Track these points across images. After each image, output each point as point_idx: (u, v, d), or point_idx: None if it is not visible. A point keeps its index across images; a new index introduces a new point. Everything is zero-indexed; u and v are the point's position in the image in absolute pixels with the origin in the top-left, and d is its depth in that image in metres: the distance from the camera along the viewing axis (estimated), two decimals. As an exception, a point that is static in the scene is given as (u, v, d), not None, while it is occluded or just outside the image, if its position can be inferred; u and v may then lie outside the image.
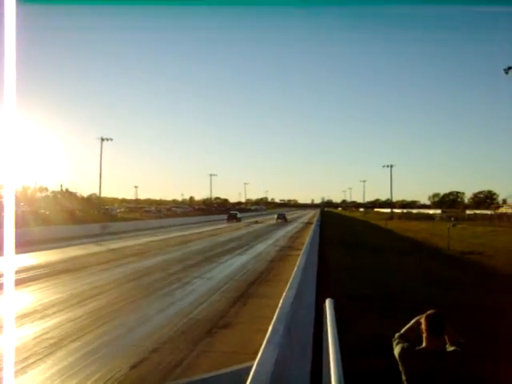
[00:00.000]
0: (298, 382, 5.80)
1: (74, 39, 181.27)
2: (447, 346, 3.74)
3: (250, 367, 4.05)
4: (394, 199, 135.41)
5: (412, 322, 3.99)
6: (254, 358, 4.34)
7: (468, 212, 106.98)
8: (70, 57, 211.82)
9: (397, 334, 3.98)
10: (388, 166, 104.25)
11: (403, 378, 3.74)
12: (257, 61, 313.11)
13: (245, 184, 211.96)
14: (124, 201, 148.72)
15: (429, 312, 3.82)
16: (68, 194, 62.41)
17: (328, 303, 7.67)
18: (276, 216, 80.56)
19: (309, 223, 63.78)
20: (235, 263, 20.60)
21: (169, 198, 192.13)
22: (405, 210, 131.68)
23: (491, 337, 9.05)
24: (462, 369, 3.65)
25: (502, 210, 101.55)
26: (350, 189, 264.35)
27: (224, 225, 58.08)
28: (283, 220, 74.93)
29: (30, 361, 7.49)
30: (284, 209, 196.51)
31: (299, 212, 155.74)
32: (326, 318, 6.76)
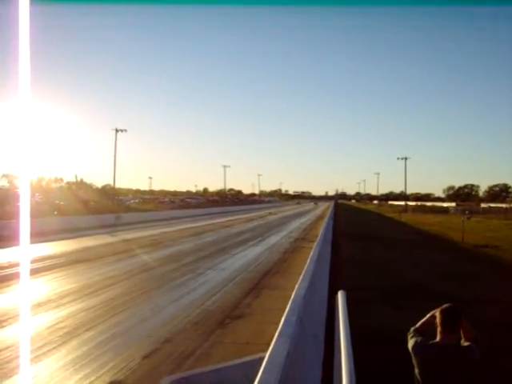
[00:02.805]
0: (310, 374, 5.81)
1: (89, 35, 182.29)
2: (462, 341, 3.71)
3: (263, 358, 4.06)
4: (409, 192, 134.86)
5: (428, 315, 3.96)
6: (267, 350, 4.35)
7: (483, 205, 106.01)
8: (86, 51, 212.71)
9: (412, 328, 3.96)
10: (402, 159, 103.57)
11: (416, 371, 3.72)
12: (272, 53, 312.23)
13: (258, 175, 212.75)
14: (138, 192, 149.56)
15: (444, 306, 3.78)
16: (83, 185, 62.63)
17: (340, 295, 7.67)
18: (313, 202, 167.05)
19: (323, 215, 63.71)
20: (248, 254, 20.61)
21: (183, 189, 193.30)
22: (419, 203, 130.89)
23: (506, 331, 9.00)
24: (474, 365, 3.62)
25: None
26: (364, 181, 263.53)
27: (237, 216, 58.16)
28: (316, 204, 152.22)
29: (45, 349, 7.57)
30: (298, 200, 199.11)
31: (313, 204, 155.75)
32: (338, 310, 6.76)
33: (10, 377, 6.33)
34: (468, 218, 38.23)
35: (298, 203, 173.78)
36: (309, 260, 11.55)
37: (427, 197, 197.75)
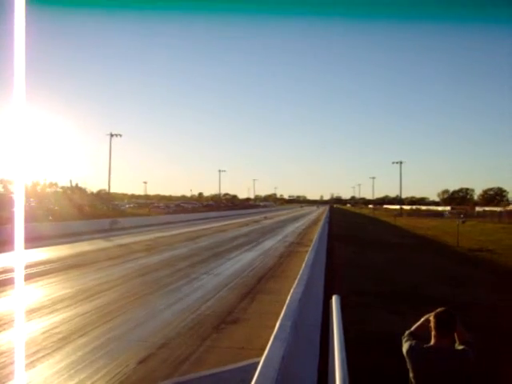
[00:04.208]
0: (304, 378, 5.81)
1: (84, 40, 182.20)
2: (456, 344, 3.72)
3: (257, 363, 4.06)
4: (404, 196, 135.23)
5: (422, 319, 3.97)
6: (262, 354, 4.35)
7: (477, 209, 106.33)
8: (81, 56, 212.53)
9: (406, 332, 3.97)
10: (397, 163, 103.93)
11: (410, 375, 3.73)
12: (268, 59, 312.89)
13: (254, 180, 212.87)
14: (133, 196, 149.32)
15: (438, 310, 3.79)
16: (77, 190, 62.48)
17: (335, 299, 7.68)
18: (315, 206, 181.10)
19: (317, 219, 63.74)
20: (243, 259, 20.58)
21: (178, 193, 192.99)
22: (414, 207, 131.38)
23: (500, 336, 9.03)
24: (469, 368, 3.62)
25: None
26: (359, 185, 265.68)
27: (232, 221, 58.11)
28: (318, 207, 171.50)
29: (40, 355, 7.54)
30: (293, 205, 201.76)
31: (307, 208, 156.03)
32: (333, 315, 6.76)
33: (5, 383, 6.30)
34: (463, 222, 38.31)
35: (301, 207, 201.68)
36: (304, 264, 11.56)
37: (422, 201, 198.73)
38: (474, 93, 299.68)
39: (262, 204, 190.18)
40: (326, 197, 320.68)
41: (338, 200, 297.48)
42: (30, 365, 7.02)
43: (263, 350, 4.50)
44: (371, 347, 7.96)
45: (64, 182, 66.89)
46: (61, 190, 63.64)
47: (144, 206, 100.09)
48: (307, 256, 13.65)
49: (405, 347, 3.81)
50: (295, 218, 71.90)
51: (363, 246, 27.03)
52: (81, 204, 53.49)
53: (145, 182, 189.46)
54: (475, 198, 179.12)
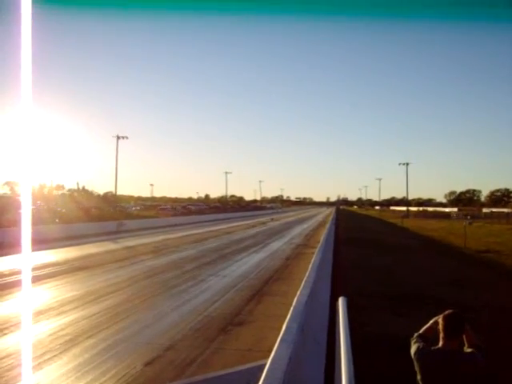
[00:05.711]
0: (311, 380, 5.79)
1: (90, 41, 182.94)
2: (465, 347, 3.69)
3: (264, 365, 4.05)
4: (410, 197, 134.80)
5: (431, 321, 3.94)
6: (268, 356, 4.34)
7: (485, 210, 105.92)
8: (87, 58, 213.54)
9: (415, 334, 3.95)
10: (404, 164, 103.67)
11: (418, 377, 3.71)
12: (273, 60, 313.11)
13: (260, 182, 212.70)
14: (140, 199, 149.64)
15: (447, 312, 3.77)
16: (84, 192, 62.68)
17: (341, 301, 7.66)
18: (326, 207, 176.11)
19: (324, 221, 63.64)
20: (250, 261, 20.58)
21: (184, 195, 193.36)
22: (421, 209, 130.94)
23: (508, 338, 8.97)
24: (477, 371, 3.60)
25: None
26: (366, 187, 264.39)
27: (239, 222, 58.09)
28: (327, 208, 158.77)
29: (46, 357, 7.56)
30: (299, 207, 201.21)
31: (314, 210, 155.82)
32: (339, 316, 6.75)
33: (12, 385, 6.32)
34: (470, 223, 38.11)
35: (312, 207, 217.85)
36: (310, 266, 11.54)
37: (429, 202, 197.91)
38: (481, 94, 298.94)
39: (268, 206, 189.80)
40: (333, 198, 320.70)
41: (345, 201, 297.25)
42: (38, 366, 7.04)
43: (270, 351, 4.49)
44: (379, 350, 7.93)
45: (71, 185, 67.32)
46: (67, 192, 63.96)
47: (150, 208, 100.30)
48: (314, 258, 13.62)
49: (413, 349, 3.79)
50: (302, 220, 71.80)
51: (370, 248, 26.94)
52: (87, 206, 53.66)
53: (151, 184, 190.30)
54: (482, 199, 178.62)
